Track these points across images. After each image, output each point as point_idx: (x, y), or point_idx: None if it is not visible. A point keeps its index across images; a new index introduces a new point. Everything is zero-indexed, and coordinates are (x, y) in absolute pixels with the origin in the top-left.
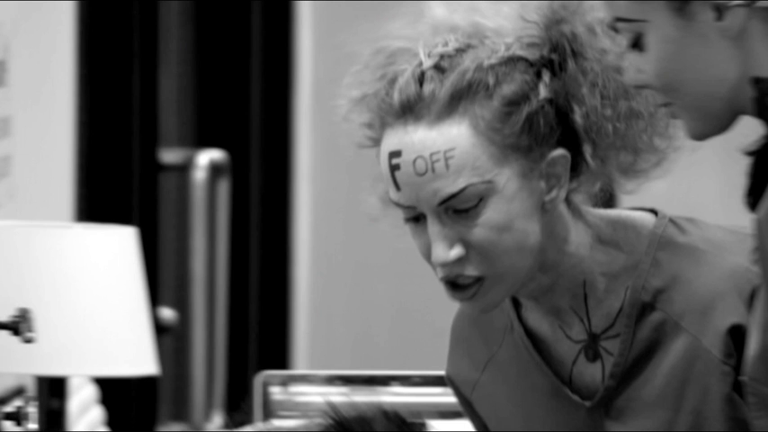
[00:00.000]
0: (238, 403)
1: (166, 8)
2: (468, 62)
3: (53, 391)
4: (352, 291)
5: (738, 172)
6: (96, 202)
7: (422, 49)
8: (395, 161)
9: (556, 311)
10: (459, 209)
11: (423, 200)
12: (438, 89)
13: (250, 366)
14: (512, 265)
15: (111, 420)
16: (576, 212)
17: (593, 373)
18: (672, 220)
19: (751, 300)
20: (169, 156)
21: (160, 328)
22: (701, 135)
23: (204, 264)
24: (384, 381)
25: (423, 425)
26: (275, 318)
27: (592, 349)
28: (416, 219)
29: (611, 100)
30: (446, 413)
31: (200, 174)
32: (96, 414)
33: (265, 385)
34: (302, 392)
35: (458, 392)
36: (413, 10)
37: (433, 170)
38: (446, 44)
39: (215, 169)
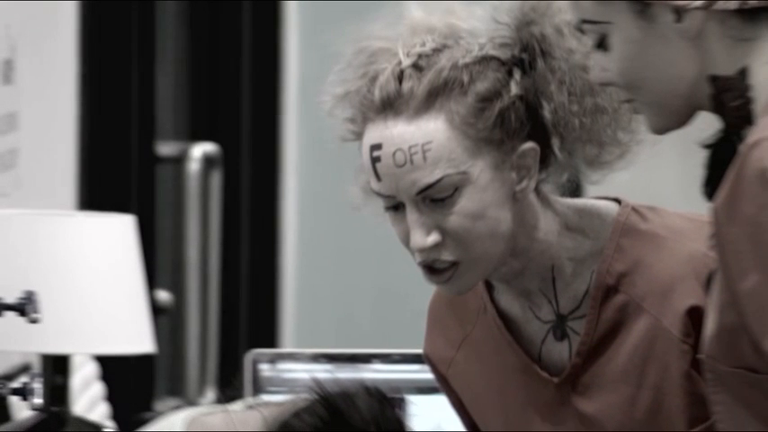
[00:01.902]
0: (230, 380)
1: (163, 10)
2: (444, 61)
3: (57, 368)
4: (336, 275)
5: (696, 164)
6: (97, 192)
7: (401, 48)
8: (376, 153)
9: (526, 294)
10: (435, 198)
11: (402, 190)
12: (416, 86)
13: (240, 345)
14: (485, 251)
15: (111, 395)
16: (544, 201)
17: (560, 352)
18: (634, 209)
19: (708, 283)
20: (165, 149)
21: (156, 310)
22: (661, 129)
23: (198, 249)
24: (366, 358)
25: (402, 400)
26: (264, 300)
27: (559, 329)
28: (396, 207)
29: (577, 96)
30: (424, 389)
31: (194, 166)
32: (97, 389)
33: (255, 363)
34: (289, 369)
35: (434, 369)
36: (393, 12)
37: (412, 162)
38: (423, 44)
39: (208, 161)
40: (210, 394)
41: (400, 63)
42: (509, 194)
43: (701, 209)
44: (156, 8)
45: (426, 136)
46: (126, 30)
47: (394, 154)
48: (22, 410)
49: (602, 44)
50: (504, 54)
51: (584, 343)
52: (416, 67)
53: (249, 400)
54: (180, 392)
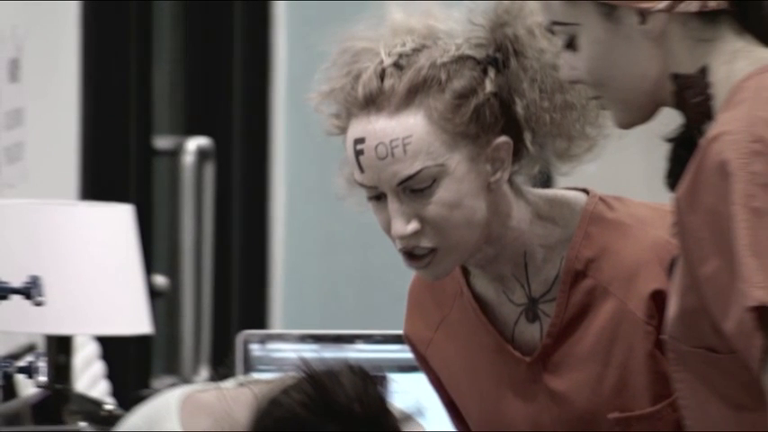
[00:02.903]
0: (222, 359)
1: (159, 13)
2: (423, 60)
3: (60, 347)
4: (322, 260)
5: (660, 156)
6: (98, 183)
7: (382, 48)
8: (359, 147)
9: (500, 278)
10: (415, 188)
11: (383, 181)
12: (397, 84)
13: (232, 326)
14: (461, 238)
15: (111, 374)
16: (517, 192)
17: (532, 333)
18: (601, 199)
19: (670, 268)
20: (162, 142)
21: (153, 293)
22: (626, 124)
23: (192, 237)
24: (350, 339)
25: (384, 378)
26: (255, 284)
27: (531, 311)
28: (378, 197)
29: (548, 93)
30: (404, 367)
31: (188, 158)
32: (98, 368)
33: (246, 343)
34: (278, 349)
35: (414, 349)
36: (375, 14)
37: (393, 155)
38: (404, 44)
39: (202, 154)
40: (204, 373)
41: (382, 62)
42: (484, 185)
43: (664, 199)
44: (153, 10)
45: (406, 130)
46: (125, 31)
47: (376, 147)
48: (27, 388)
49: (571, 44)
50: (479, 54)
51: (555, 324)
52: (397, 65)
53: (240, 377)
54: (175, 371)
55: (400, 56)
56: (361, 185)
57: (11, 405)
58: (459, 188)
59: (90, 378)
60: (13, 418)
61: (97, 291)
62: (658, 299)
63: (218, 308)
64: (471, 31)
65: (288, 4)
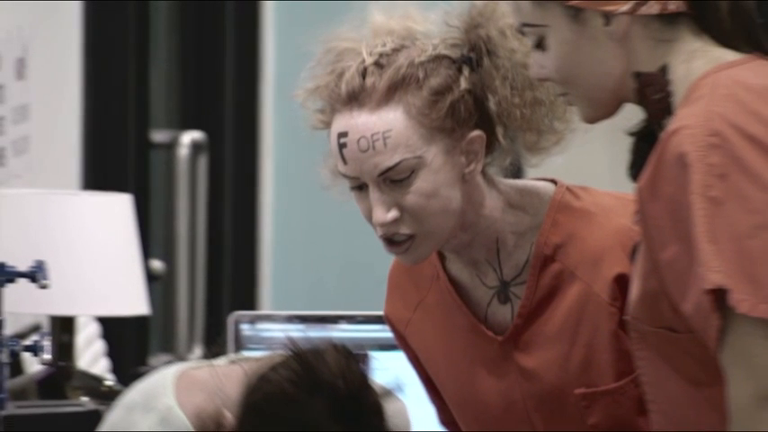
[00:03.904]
0: (215, 338)
1: (156, 15)
2: (402, 59)
3: (63, 327)
4: (308, 246)
5: (623, 149)
6: (99, 174)
7: (364, 48)
8: (342, 140)
9: (474, 263)
10: (394, 179)
11: (365, 172)
12: (377, 81)
13: (224, 308)
14: (437, 225)
15: (111, 352)
16: (490, 182)
17: (504, 314)
18: (568, 188)
19: (633, 253)
20: (158, 136)
21: (150, 277)
22: (592, 119)
23: (187, 224)
24: (333, 319)
25: (365, 356)
26: (245, 268)
27: (503, 293)
28: (360, 187)
29: (519, 90)
30: (384, 346)
31: (183, 151)
32: (99, 347)
33: (237, 323)
34: (267, 329)
35: (394, 329)
36: (357, 16)
37: (374, 148)
38: (384, 45)
39: (196, 147)
40: (198, 351)
41: (364, 61)
42: (459, 176)
43: (627, 188)
44: (151, 13)
45: (386, 125)
46: (124, 31)
47: (358, 141)
48: (33, 365)
49: (540, 44)
50: (454, 53)
51: (525, 306)
52: (378, 64)
53: (232, 355)
54: (171, 349)
55: (381, 55)
56: (345, 176)
57: (17, 381)
58: (436, 179)
59: (91, 356)
60: (20, 394)
61: (98, 274)
62: (621, 282)
63: (211, 290)
64: (447, 32)
65: (276, 7)
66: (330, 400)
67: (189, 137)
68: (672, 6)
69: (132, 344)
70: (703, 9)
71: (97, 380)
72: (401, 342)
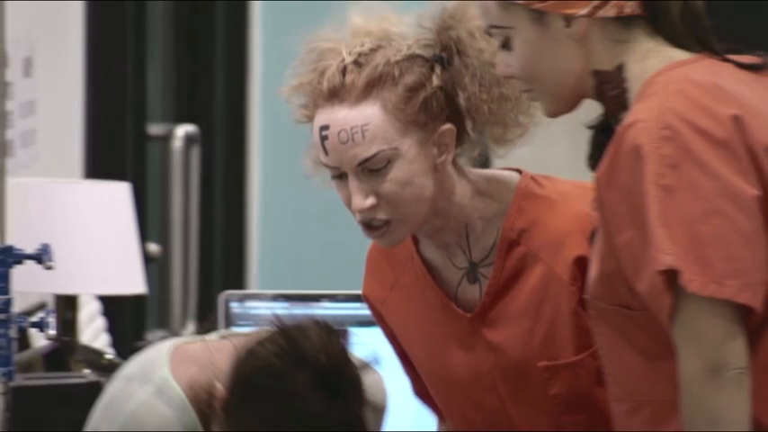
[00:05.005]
0: (206, 315)
1: (152, 17)
2: (379, 59)
3: (67, 305)
4: (293, 230)
5: (582, 141)
6: (99, 164)
7: (344, 48)
8: (324, 133)
9: (445, 246)
10: (372, 169)
11: (345, 162)
12: (356, 79)
13: (215, 287)
14: (412, 211)
15: (111, 328)
16: (460, 171)
17: (472, 292)
18: (532, 177)
19: (592, 237)
20: (154, 129)
21: (147, 259)
22: (554, 113)
23: (181, 210)
24: (316, 298)
25: (345, 331)
26: (235, 251)
27: (472, 274)
28: (340, 176)
29: (486, 87)
30: (363, 322)
31: (177, 143)
32: (99, 323)
33: (227, 301)
34: (255, 307)
35: (371, 307)
36: (338, 19)
37: (353, 140)
38: (363, 45)
39: (189, 139)
40: (191, 327)
41: (344, 60)
42: (431, 166)
43: (586, 178)
44: (147, 15)
45: (365, 119)
46: (122, 32)
47: (339, 133)
48: (39, 340)
49: (506, 45)
50: (427, 53)
51: (492, 285)
52: (357, 63)
53: (222, 331)
54: (166, 325)
55: (359, 55)
56: (326, 166)
57: (25, 355)
58: (410, 168)
59: (93, 331)
60: (27, 366)
61: (98, 256)
62: (581, 264)
63: (203, 271)
64: (420, 33)
65: (263, 11)
66: (313, 373)
67: (183, 130)
68: (627, 9)
69: (130, 320)
70: (656, 12)
71: (98, 353)
72: (378, 319)
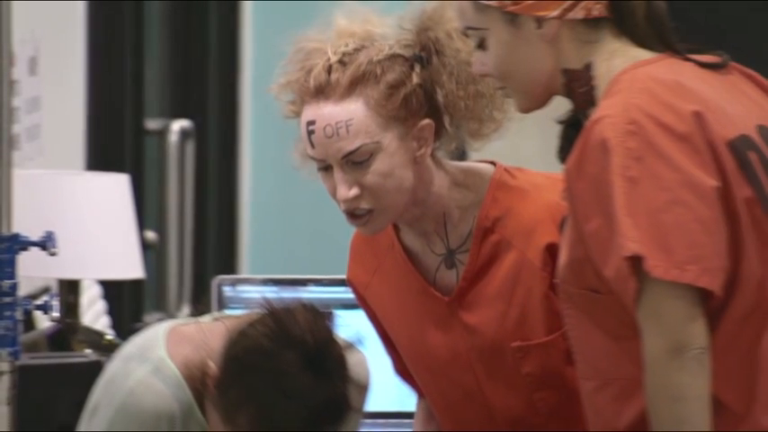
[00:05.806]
0: (200, 299)
1: (150, 19)
2: (362, 58)
3: (70, 289)
4: (281, 219)
5: (553, 135)
6: (100, 157)
7: (330, 48)
8: (311, 127)
9: (424, 233)
10: (355, 161)
11: (330, 155)
12: (341, 77)
13: (209, 272)
14: (393, 201)
15: (111, 310)
16: (438, 164)
17: (450, 277)
18: (506, 169)
19: (561, 225)
20: (151, 124)
21: (145, 245)
22: (526, 109)
23: (177, 200)
24: (303, 282)
25: (331, 314)
26: (227, 238)
27: (449, 260)
28: (326, 168)
29: (463, 84)
30: (347, 305)
31: (173, 137)
32: (100, 306)
33: (220, 285)
34: (246, 291)
35: (355, 291)
36: (324, 21)
37: (338, 134)
38: (347, 45)
39: (184, 134)
40: (186, 309)
41: (329, 59)
42: (411, 158)
43: (557, 169)
44: (144, 18)
45: (349, 114)
46: (121, 33)
47: (324, 128)
48: (43, 322)
49: (481, 45)
50: (407, 52)
51: (468, 271)
52: (341, 62)
53: (215, 313)
54: (163, 308)
55: (344, 54)
56: (313, 159)
57: (30, 336)
58: (392, 161)
59: (94, 314)
60: (32, 346)
61: (99, 243)
62: (552, 250)
63: (197, 257)
64: (401, 34)
65: (254, 13)
66: (300, 352)
67: (178, 125)
68: (595, 12)
69: (129, 303)
70: (622, 14)
71: (99, 334)
72: (361, 302)
